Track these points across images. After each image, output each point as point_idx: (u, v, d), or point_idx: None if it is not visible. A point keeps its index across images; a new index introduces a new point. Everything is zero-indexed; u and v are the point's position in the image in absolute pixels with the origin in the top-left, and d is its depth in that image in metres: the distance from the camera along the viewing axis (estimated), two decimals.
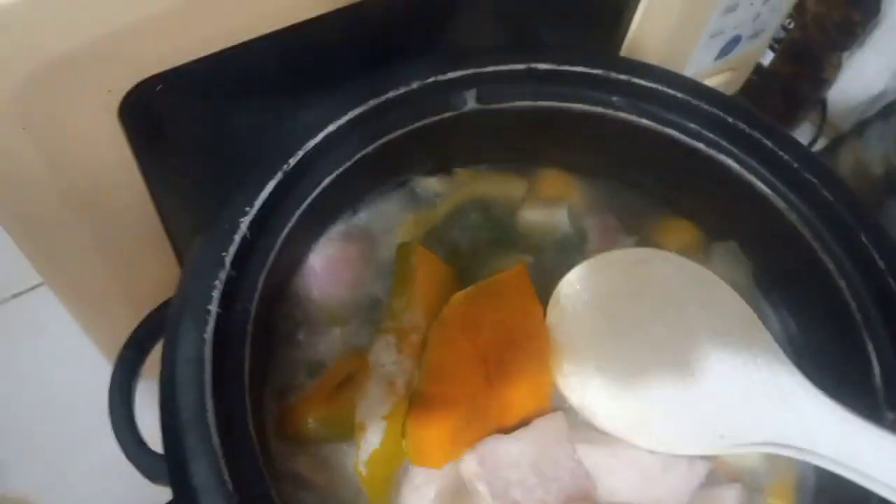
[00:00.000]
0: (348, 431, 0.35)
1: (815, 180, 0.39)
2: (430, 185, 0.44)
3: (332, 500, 0.35)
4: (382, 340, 0.36)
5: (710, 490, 0.36)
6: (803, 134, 0.74)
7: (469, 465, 0.34)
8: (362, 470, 0.34)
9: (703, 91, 0.41)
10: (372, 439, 0.34)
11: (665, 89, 0.41)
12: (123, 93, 0.32)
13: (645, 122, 0.41)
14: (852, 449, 0.30)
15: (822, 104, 0.73)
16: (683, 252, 0.43)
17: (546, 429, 0.34)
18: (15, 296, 0.62)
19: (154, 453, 0.35)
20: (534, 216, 0.45)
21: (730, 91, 0.72)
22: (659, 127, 0.41)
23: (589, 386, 0.35)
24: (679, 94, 0.41)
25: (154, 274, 0.42)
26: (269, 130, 0.38)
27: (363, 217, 0.42)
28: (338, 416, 0.35)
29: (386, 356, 0.36)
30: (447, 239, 0.42)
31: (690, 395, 0.34)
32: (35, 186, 0.35)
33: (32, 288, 0.61)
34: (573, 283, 0.38)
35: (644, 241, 0.43)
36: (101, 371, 0.49)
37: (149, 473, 0.34)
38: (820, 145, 0.71)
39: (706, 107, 0.41)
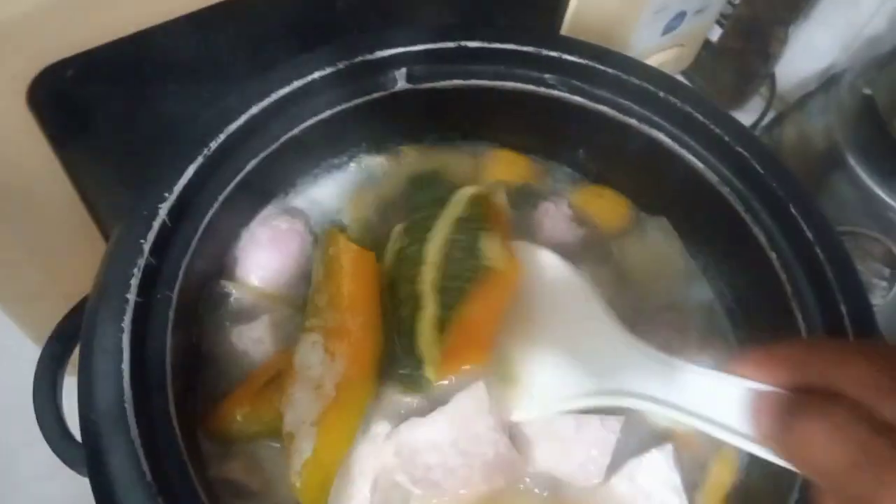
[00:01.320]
0: (278, 428, 0.33)
1: (745, 153, 0.39)
2: (373, 163, 0.44)
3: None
4: (307, 340, 0.34)
5: (644, 455, 0.36)
6: (754, 108, 0.74)
7: (386, 458, 0.33)
8: (295, 481, 0.32)
9: (634, 66, 0.41)
10: (304, 447, 0.32)
11: (596, 65, 0.41)
12: (30, 78, 0.32)
13: (577, 99, 0.41)
14: (674, 387, 0.31)
15: (772, 78, 0.73)
16: (618, 228, 0.44)
17: (466, 404, 0.33)
18: None
19: (77, 443, 0.34)
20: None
21: (679, 67, 0.72)
22: (590, 104, 0.41)
23: None
24: (610, 70, 0.41)
25: (85, 265, 0.41)
26: (191, 114, 0.37)
27: (300, 199, 0.42)
28: (265, 412, 0.34)
29: (313, 357, 0.34)
30: (391, 220, 0.41)
31: (553, 360, 0.35)
32: None
33: None
34: None
35: (578, 217, 0.43)
36: None
37: (73, 464, 0.33)
38: (769, 120, 0.72)
39: (637, 82, 0.41)
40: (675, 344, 0.38)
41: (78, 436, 0.34)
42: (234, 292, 0.38)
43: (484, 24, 0.49)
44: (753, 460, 0.37)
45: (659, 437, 0.37)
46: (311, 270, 0.39)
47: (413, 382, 0.35)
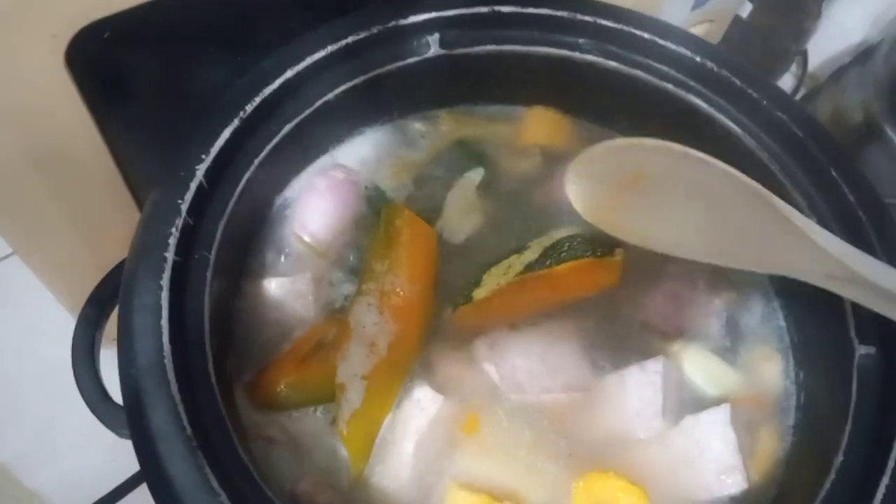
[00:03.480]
0: (321, 396, 0.35)
1: (784, 117, 0.38)
2: (411, 129, 0.44)
3: (308, 462, 0.34)
4: (363, 302, 0.36)
5: (702, 412, 0.36)
6: (784, 85, 0.73)
7: (479, 349, 0.36)
8: (343, 429, 0.34)
9: (670, 31, 0.40)
10: (353, 398, 0.34)
11: (632, 30, 0.40)
12: (69, 38, 0.32)
13: (612, 63, 0.41)
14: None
15: (803, 55, 0.72)
16: None
17: (558, 328, 0.37)
18: None
19: (118, 405, 0.34)
20: (511, 158, 0.44)
21: None
22: (625, 68, 0.41)
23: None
24: (646, 35, 0.40)
25: (118, 230, 0.42)
26: (227, 78, 0.37)
27: (343, 160, 0.42)
28: (310, 383, 0.35)
29: (367, 317, 0.36)
30: (428, 187, 0.42)
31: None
32: None
33: (5, 257, 0.61)
34: (583, 161, 0.37)
35: None
36: None
37: (112, 426, 0.33)
38: (801, 95, 0.71)
39: (673, 47, 0.40)
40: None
41: (117, 399, 0.35)
42: (284, 245, 0.38)
43: None
44: (802, 429, 0.37)
45: (709, 400, 0.37)
46: (359, 230, 0.40)
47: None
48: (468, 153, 0.43)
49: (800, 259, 0.32)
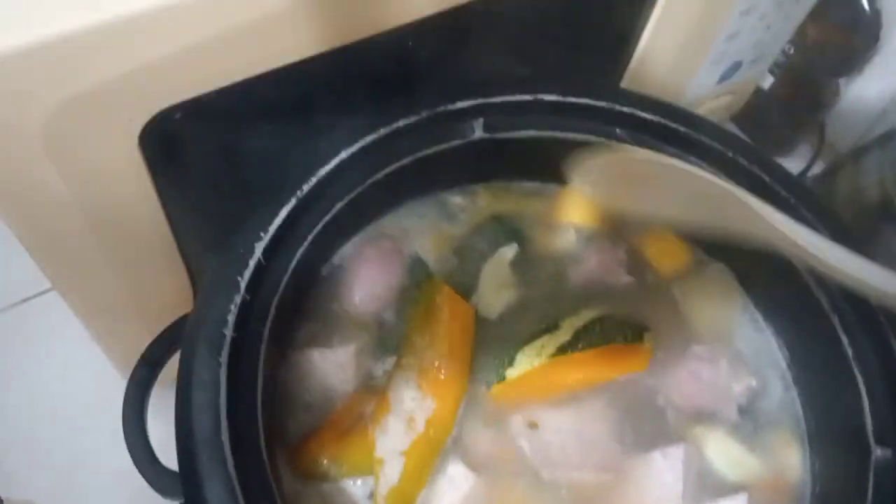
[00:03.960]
0: (360, 469, 0.36)
1: (816, 222, 0.40)
2: (451, 202, 0.46)
3: None
4: (403, 376, 0.38)
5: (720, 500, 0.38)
6: (801, 156, 0.75)
7: (513, 425, 0.38)
8: None
9: (704, 126, 0.42)
10: (391, 475, 0.36)
11: (668, 123, 0.42)
12: (144, 122, 0.34)
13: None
14: None
15: (821, 127, 0.74)
16: (678, 271, 0.45)
17: (589, 406, 0.38)
18: (25, 300, 0.63)
19: (167, 470, 0.36)
20: (545, 235, 0.46)
21: (729, 113, 0.73)
22: None
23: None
24: (681, 129, 0.42)
25: (166, 292, 0.44)
26: (283, 157, 0.39)
27: (388, 230, 0.44)
28: (351, 456, 0.36)
29: (406, 392, 0.38)
30: (467, 259, 0.43)
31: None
32: (54, 207, 0.36)
33: (43, 292, 0.62)
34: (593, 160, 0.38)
35: (636, 258, 0.45)
36: (110, 380, 0.50)
37: (161, 489, 0.35)
38: (818, 168, 0.73)
39: (707, 141, 0.42)
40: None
41: (164, 461, 0.36)
42: (328, 315, 0.40)
43: (553, 69, 0.51)
44: None
45: (729, 486, 0.39)
46: (400, 301, 0.41)
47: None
48: (504, 228, 0.45)
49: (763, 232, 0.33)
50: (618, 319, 0.41)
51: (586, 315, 0.41)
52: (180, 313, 0.41)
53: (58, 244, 0.39)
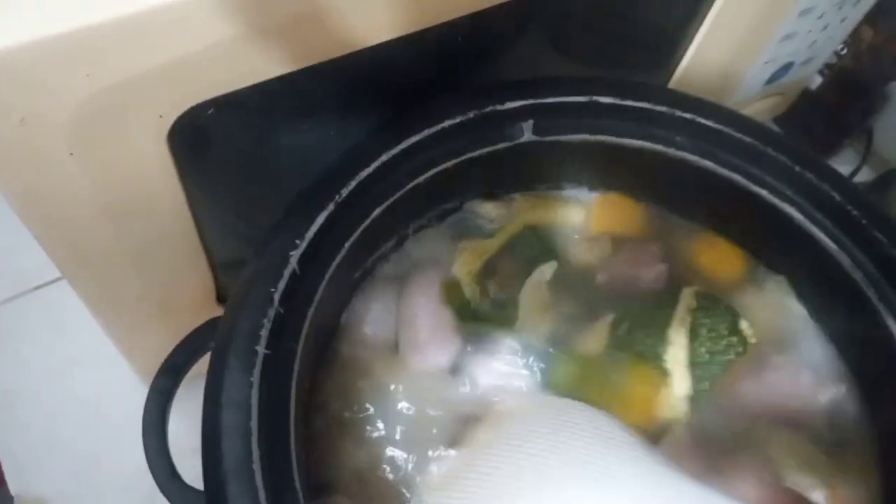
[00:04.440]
0: None
1: (884, 240, 0.37)
2: (484, 210, 0.43)
3: None
4: None
5: None
6: (845, 162, 0.72)
7: None
8: None
9: (770, 136, 0.40)
10: None
11: (732, 132, 0.39)
12: (175, 118, 0.31)
13: (707, 163, 0.40)
14: None
15: (868, 133, 0.71)
16: (734, 280, 0.43)
17: None
18: (36, 288, 0.60)
19: (188, 488, 0.34)
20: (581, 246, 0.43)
21: (774, 114, 0.70)
22: (721, 169, 0.40)
23: None
24: (746, 139, 0.39)
25: (189, 291, 0.41)
26: (318, 156, 0.36)
27: (415, 245, 0.41)
28: None
29: None
30: (498, 275, 0.41)
31: None
32: (77, 203, 0.33)
33: (57, 279, 0.60)
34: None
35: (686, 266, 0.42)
36: (126, 372, 0.48)
37: None
38: (864, 175, 0.70)
39: (773, 153, 0.39)
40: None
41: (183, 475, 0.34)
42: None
43: (597, 68, 0.48)
44: None
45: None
46: None
47: None
48: (539, 241, 0.42)
49: None
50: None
51: None
52: (203, 313, 0.39)
53: (77, 240, 0.36)
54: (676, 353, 0.38)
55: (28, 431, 0.53)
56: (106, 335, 0.42)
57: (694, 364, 0.38)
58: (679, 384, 0.38)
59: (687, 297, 0.39)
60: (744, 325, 0.39)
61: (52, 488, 0.51)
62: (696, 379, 0.38)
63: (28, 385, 0.55)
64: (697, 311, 0.38)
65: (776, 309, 0.42)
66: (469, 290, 0.39)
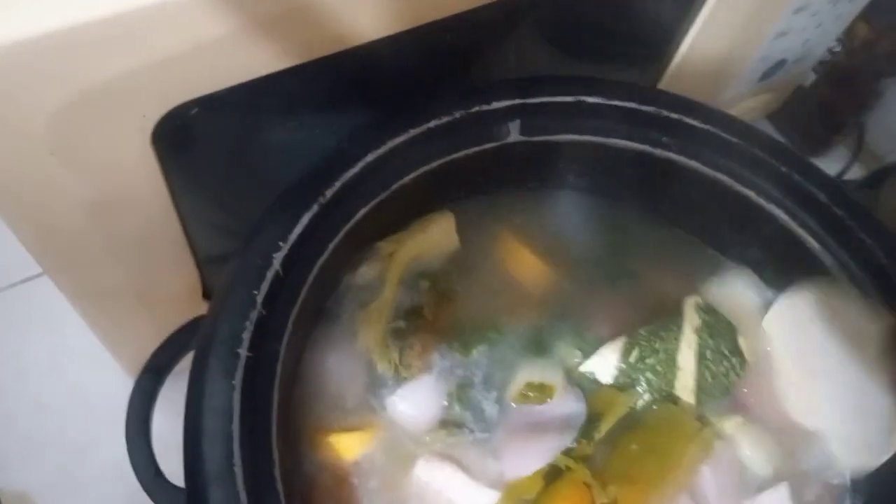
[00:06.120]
0: None
1: (870, 241, 0.37)
2: (470, 208, 0.42)
3: None
4: None
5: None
6: (838, 157, 0.72)
7: None
8: None
9: (759, 137, 0.39)
10: None
11: (719, 132, 0.39)
12: (159, 117, 0.31)
13: (693, 164, 0.40)
14: None
15: (860, 130, 0.71)
16: None
17: None
18: (23, 281, 0.60)
19: (172, 487, 0.33)
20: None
21: (767, 111, 0.70)
22: (707, 170, 0.40)
23: None
24: (734, 140, 0.39)
25: (175, 290, 0.41)
26: (302, 155, 0.36)
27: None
28: None
29: None
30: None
31: None
32: (59, 203, 0.33)
33: (41, 274, 0.60)
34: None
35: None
36: (111, 366, 0.48)
37: None
38: (855, 171, 0.70)
39: (760, 154, 0.39)
40: None
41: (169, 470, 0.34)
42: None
43: (589, 63, 0.47)
44: None
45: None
46: None
47: None
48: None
49: None
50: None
51: None
52: (189, 309, 0.38)
53: (59, 238, 0.36)
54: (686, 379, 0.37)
55: (13, 425, 0.53)
56: (91, 330, 0.42)
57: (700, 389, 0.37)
58: None
59: (690, 313, 0.38)
60: (741, 341, 0.38)
61: (36, 481, 0.51)
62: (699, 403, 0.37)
63: (12, 378, 0.55)
64: (702, 330, 0.38)
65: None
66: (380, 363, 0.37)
